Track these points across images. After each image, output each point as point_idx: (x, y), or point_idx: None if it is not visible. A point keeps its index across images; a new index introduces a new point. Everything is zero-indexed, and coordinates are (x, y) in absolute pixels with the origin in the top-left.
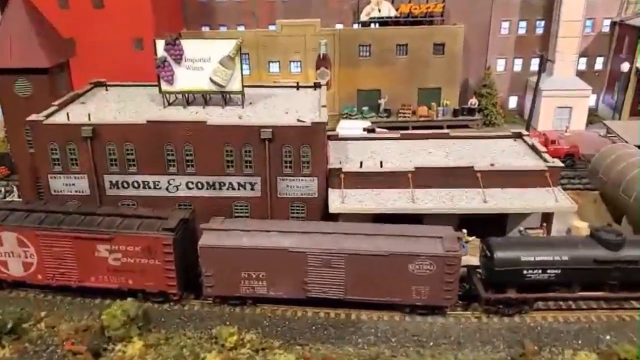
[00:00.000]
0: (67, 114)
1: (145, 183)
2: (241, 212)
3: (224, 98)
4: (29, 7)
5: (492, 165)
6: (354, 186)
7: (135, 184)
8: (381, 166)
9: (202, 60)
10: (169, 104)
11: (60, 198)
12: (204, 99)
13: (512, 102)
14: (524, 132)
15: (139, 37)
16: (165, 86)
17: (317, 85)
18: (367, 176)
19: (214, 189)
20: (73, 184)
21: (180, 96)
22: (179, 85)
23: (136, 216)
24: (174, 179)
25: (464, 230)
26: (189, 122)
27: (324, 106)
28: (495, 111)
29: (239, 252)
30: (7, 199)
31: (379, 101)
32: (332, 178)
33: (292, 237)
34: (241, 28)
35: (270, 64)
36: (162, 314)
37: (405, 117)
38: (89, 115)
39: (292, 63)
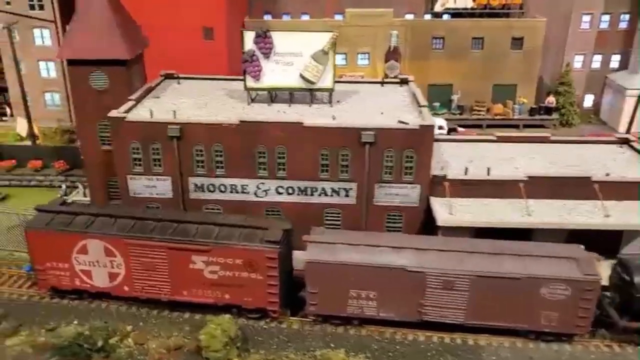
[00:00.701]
0: (151, 111)
1: (233, 187)
2: (332, 220)
3: (311, 95)
4: None
5: (607, 174)
6: (458, 195)
7: (222, 188)
8: (488, 173)
9: (293, 55)
10: (252, 101)
11: (139, 200)
12: (289, 96)
13: (588, 100)
14: (631, 137)
15: (209, 26)
16: (251, 82)
17: (403, 81)
18: (473, 184)
19: (305, 194)
20: (154, 186)
21: (262, 92)
22: (266, 81)
23: (234, 225)
24: (263, 183)
25: (581, 247)
26: (284, 123)
27: (424, 106)
28: (573, 110)
29: (350, 269)
30: (71, 196)
31: (452, 97)
32: (435, 186)
33: (408, 254)
34: (305, 17)
35: (336, 55)
36: (259, 332)
37: (479, 114)
38: (174, 112)
39: (359, 55)
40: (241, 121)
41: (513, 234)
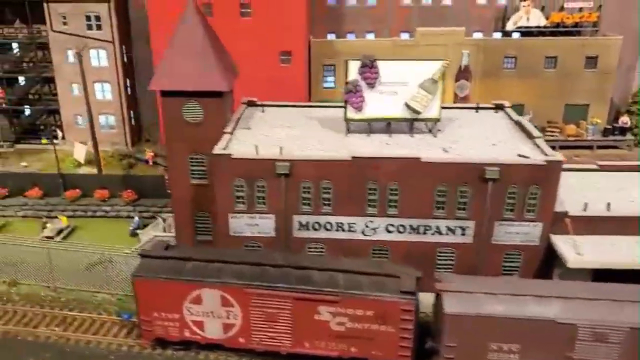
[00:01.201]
0: (256, 147)
1: (339, 225)
2: (445, 260)
3: (411, 125)
4: (205, 21)
5: None
6: (579, 232)
7: (328, 226)
8: (608, 208)
9: (398, 84)
10: (349, 131)
11: (239, 240)
12: (386, 126)
13: None
14: None
15: (288, 50)
16: (352, 113)
17: (498, 107)
18: (595, 221)
19: (417, 233)
20: (256, 225)
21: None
22: (368, 112)
23: (360, 272)
24: (372, 221)
25: None
26: (401, 159)
27: (539, 137)
28: None
29: (494, 321)
30: (146, 230)
31: (524, 117)
32: (556, 223)
33: (554, 304)
34: (370, 36)
35: None
36: None
37: (553, 135)
38: (280, 149)
39: None
40: (354, 157)
41: (629, 276)
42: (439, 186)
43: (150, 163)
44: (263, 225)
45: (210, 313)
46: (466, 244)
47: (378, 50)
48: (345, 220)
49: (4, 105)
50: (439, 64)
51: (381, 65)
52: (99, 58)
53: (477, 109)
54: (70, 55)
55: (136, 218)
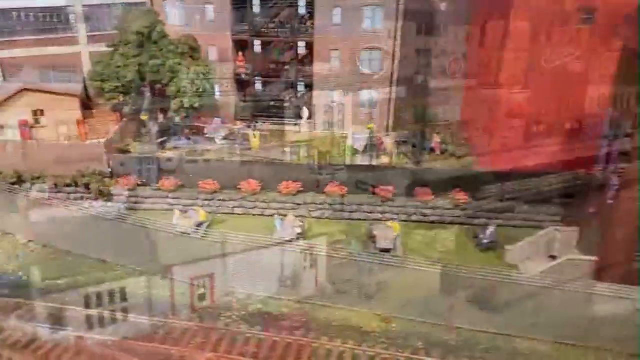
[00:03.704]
0: None
1: None
2: None
3: None
4: None
5: None
6: None
7: None
8: None
9: None
10: None
11: None
12: None
13: None
14: None
15: (589, 6)
16: None
17: None
18: None
19: None
20: None
21: None
22: None
23: None
24: None
25: None
26: None
27: None
28: None
29: None
30: (520, 248)
31: None
32: None
33: None
34: None
35: None
36: None
37: None
38: None
39: None
40: None
41: None
42: None
43: (437, 152)
44: None
45: None
46: None
47: None
48: None
49: (243, 77)
50: None
51: None
52: (374, 19)
53: None
54: (337, 15)
55: (491, 228)
